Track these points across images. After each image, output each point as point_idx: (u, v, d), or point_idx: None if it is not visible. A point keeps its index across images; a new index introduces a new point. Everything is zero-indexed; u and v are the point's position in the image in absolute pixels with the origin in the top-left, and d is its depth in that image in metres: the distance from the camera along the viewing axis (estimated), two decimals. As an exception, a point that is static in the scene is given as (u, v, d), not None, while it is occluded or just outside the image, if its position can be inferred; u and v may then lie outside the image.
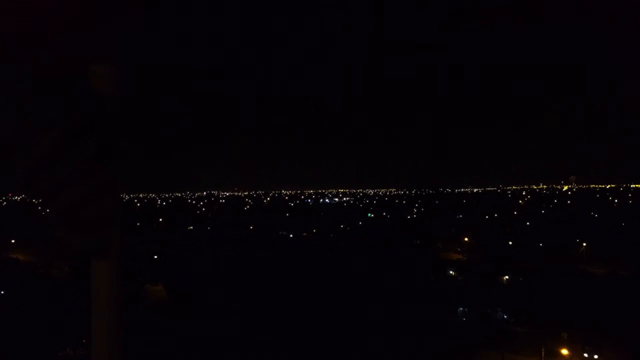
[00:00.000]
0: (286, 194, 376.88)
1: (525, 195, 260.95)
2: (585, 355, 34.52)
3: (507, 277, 55.44)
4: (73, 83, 1.84)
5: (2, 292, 47.52)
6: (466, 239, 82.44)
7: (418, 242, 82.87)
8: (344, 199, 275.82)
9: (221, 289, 48.35)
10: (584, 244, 73.97)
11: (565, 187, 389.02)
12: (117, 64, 1.89)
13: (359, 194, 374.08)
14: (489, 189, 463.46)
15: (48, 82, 1.78)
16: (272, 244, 77.03)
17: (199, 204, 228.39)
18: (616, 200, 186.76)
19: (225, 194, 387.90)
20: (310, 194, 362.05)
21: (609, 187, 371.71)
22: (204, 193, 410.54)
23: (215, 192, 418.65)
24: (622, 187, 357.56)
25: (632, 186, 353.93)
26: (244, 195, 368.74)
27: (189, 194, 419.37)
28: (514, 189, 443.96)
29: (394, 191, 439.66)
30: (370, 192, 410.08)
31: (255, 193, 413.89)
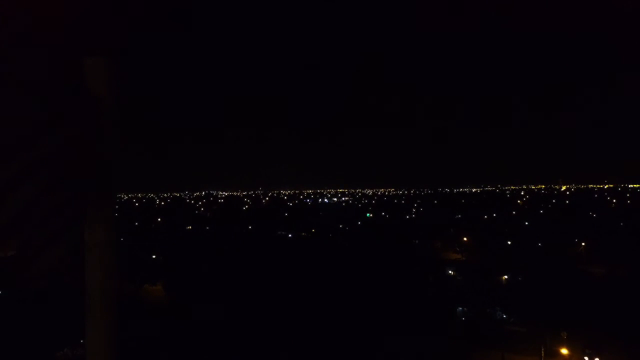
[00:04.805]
0: (285, 194, 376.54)
1: (524, 195, 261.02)
2: (586, 358, 34.41)
3: (506, 277, 55.41)
4: (68, 78, 1.67)
5: (0, 292, 47.31)
6: (465, 239, 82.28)
7: (417, 241, 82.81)
8: (343, 199, 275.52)
9: (220, 289, 48.28)
10: (583, 244, 73.94)
11: (564, 187, 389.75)
12: (116, 58, 1.74)
13: (358, 194, 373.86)
14: (487, 188, 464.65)
15: (43, 76, 1.60)
16: (271, 244, 76.91)
17: (198, 203, 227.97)
18: (614, 201, 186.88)
19: (224, 194, 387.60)
20: (309, 194, 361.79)
21: (607, 187, 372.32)
22: (203, 193, 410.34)
23: (214, 192, 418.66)
24: (620, 187, 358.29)
25: (630, 186, 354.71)
26: (243, 195, 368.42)
27: (188, 193, 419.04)
28: (512, 188, 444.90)
29: (393, 191, 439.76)
30: (369, 192, 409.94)
31: (254, 193, 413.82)
